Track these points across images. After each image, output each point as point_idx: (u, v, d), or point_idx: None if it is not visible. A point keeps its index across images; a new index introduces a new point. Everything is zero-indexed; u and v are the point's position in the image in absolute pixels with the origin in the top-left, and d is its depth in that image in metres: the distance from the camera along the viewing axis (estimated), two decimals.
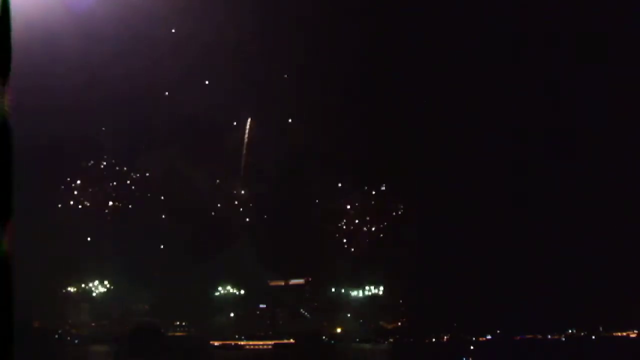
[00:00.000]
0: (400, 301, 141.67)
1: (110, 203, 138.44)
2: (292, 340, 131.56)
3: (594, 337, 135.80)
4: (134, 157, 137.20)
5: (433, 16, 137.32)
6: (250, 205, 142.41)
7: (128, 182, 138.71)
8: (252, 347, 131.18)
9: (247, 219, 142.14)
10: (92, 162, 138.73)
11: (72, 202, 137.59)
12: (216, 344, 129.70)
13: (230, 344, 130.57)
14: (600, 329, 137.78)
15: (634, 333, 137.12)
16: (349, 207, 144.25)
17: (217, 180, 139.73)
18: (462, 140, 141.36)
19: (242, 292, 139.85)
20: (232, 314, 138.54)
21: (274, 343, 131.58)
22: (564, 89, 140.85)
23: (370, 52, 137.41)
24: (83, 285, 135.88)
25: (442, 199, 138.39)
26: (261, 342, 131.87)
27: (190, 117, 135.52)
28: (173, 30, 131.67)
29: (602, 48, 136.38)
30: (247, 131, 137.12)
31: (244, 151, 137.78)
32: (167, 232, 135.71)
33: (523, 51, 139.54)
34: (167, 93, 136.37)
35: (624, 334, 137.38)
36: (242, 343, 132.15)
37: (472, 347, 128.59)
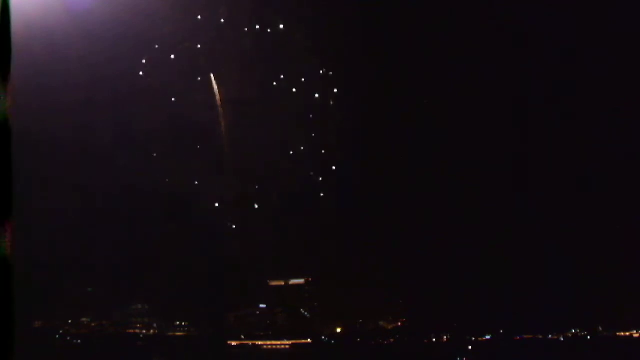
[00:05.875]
0: (400, 301, 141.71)
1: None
2: (309, 340, 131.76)
3: (589, 337, 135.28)
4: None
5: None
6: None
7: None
8: (269, 347, 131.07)
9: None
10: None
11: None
12: (234, 344, 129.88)
13: (248, 344, 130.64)
14: (600, 328, 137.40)
15: (638, 333, 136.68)
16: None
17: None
18: (463, 134, 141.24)
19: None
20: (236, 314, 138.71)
21: (292, 343, 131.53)
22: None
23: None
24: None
25: (442, 197, 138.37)
26: (279, 342, 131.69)
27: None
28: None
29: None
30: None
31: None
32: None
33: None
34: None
35: (627, 333, 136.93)
36: (260, 343, 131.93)
37: (470, 347, 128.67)
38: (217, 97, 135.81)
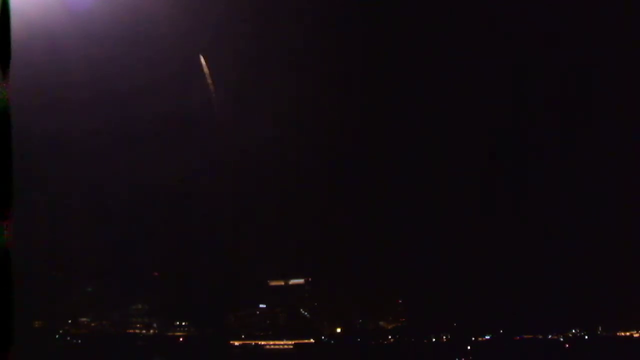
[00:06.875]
0: (400, 301, 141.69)
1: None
2: (312, 340, 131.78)
3: (587, 337, 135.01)
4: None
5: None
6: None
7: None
8: (271, 346, 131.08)
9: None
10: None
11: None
12: (236, 344, 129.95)
13: (251, 344, 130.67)
14: (600, 328, 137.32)
15: (638, 333, 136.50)
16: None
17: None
18: (463, 135, 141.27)
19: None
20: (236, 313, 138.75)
21: (294, 342, 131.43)
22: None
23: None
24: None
25: (442, 197, 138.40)
26: (281, 342, 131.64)
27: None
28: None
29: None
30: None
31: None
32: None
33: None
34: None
35: (627, 333, 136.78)
36: (263, 343, 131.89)
37: (469, 347, 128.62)
38: (209, 78, 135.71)
